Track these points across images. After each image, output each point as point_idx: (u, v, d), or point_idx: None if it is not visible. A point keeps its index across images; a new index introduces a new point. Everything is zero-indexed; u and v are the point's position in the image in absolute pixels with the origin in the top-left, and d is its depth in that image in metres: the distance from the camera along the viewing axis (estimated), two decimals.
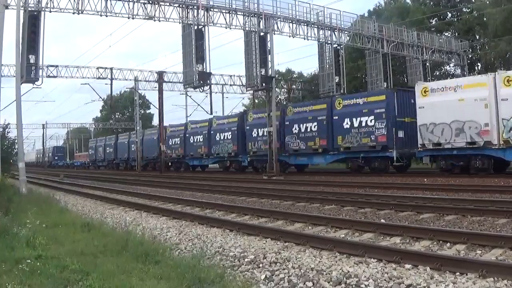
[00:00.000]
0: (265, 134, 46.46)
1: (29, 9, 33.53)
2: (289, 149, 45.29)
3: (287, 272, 9.28)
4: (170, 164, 67.28)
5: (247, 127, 51.61)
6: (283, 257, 10.22)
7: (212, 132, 57.49)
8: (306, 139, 43.25)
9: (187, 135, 62.76)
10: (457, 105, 31.09)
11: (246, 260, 10.36)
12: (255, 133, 49.90)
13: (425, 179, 29.86)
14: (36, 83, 35.84)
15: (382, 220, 14.72)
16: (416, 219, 14.86)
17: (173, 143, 65.34)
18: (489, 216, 14.30)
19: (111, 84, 61.53)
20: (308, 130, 43.07)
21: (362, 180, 31.44)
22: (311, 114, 42.96)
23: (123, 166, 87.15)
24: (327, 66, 46.69)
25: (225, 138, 55.08)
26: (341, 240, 11.46)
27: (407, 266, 8.98)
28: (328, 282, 8.52)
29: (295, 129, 44.07)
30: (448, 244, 10.86)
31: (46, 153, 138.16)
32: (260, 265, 9.90)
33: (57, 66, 56.01)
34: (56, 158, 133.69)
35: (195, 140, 60.86)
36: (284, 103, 75.95)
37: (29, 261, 9.41)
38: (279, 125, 44.89)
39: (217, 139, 56.25)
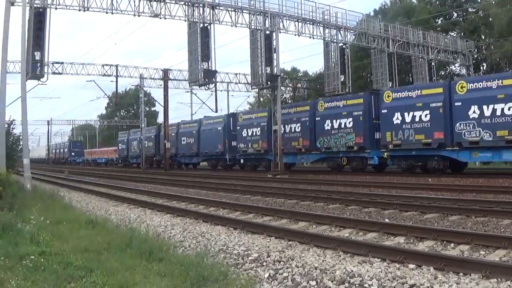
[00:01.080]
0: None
1: (35, 6, 33.58)
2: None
3: (290, 270, 9.28)
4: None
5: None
6: (287, 255, 10.22)
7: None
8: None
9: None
10: None
11: (250, 258, 10.36)
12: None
13: (430, 179, 29.84)
14: (41, 79, 35.87)
15: (386, 220, 14.72)
16: (420, 219, 14.87)
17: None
18: (493, 217, 14.31)
19: (116, 81, 61.34)
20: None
21: (366, 180, 31.43)
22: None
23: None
24: (333, 65, 46.65)
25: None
26: (345, 240, 11.45)
27: (411, 266, 8.99)
28: (332, 281, 8.51)
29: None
30: (452, 245, 10.88)
31: (60, 148, 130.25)
32: (264, 264, 9.90)
33: (62, 63, 55.95)
34: (73, 154, 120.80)
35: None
36: (290, 101, 76.02)
37: (33, 257, 9.43)
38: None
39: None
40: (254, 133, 51.06)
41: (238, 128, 53.85)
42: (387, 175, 35.71)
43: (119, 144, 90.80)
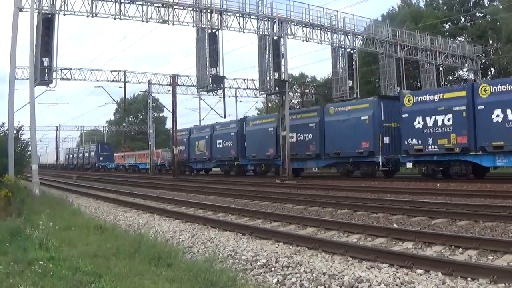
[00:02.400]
0: None
1: (43, 11, 33.69)
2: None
3: (299, 276, 9.30)
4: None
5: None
6: (295, 261, 10.24)
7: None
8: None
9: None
10: None
11: (258, 264, 10.38)
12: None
13: (438, 184, 29.80)
14: (49, 85, 36.01)
15: (395, 225, 14.72)
16: (428, 224, 14.85)
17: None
18: (501, 222, 14.28)
19: (125, 87, 61.51)
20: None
21: (374, 185, 31.39)
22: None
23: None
24: (341, 71, 46.69)
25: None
26: (353, 245, 11.45)
27: (419, 271, 8.99)
28: (340, 287, 8.54)
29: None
30: (460, 250, 10.87)
31: (84, 152, 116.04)
32: (272, 269, 9.92)
33: (70, 68, 56.20)
34: (101, 158, 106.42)
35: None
36: (298, 107, 76.01)
37: (41, 262, 9.44)
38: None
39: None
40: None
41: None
42: (395, 180, 35.64)
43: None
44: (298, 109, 57.25)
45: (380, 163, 38.65)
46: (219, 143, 59.26)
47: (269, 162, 51.55)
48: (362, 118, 40.20)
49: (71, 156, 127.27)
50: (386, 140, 39.15)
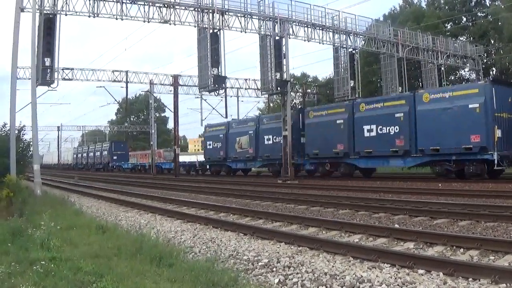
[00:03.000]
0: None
1: (45, 12, 33.67)
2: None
3: (300, 276, 9.31)
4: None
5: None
6: (297, 261, 10.25)
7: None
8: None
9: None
10: None
11: (260, 264, 10.39)
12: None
13: (440, 184, 29.78)
14: (51, 85, 35.95)
15: (396, 225, 14.73)
16: (430, 224, 14.85)
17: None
18: (503, 222, 14.30)
19: (127, 87, 61.53)
20: None
21: (376, 185, 31.38)
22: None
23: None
24: (342, 70, 46.65)
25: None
26: (354, 245, 11.45)
27: (420, 271, 9.00)
28: (342, 287, 8.56)
29: None
30: (462, 250, 10.88)
31: (95, 151, 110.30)
32: (274, 269, 9.93)
33: (72, 69, 56.16)
34: (115, 158, 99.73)
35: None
36: (299, 107, 76.06)
37: (43, 262, 9.47)
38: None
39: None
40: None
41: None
42: (397, 180, 35.58)
43: (207, 143, 62.82)
44: (379, 96, 49.09)
45: (495, 161, 32.45)
46: (268, 139, 51.79)
47: (337, 161, 44.10)
48: (471, 106, 33.70)
49: (80, 155, 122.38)
50: (499, 133, 33.31)
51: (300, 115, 48.69)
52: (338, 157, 43.34)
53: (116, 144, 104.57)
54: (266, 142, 52.00)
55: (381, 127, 39.38)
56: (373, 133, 39.96)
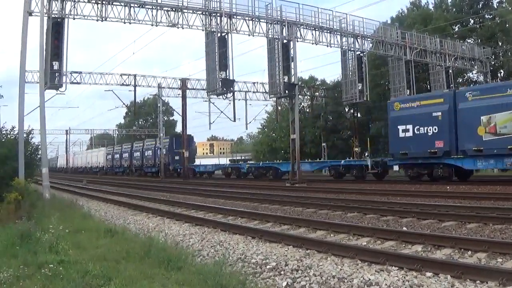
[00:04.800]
0: None
1: (53, 16, 33.73)
2: None
3: (308, 279, 9.32)
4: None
5: None
6: (305, 264, 10.26)
7: None
8: None
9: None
10: None
11: (268, 267, 10.40)
12: None
13: (448, 187, 29.74)
14: (59, 89, 36.04)
15: (404, 228, 14.74)
16: (438, 227, 14.85)
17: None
18: (511, 224, 14.25)
19: (135, 91, 61.64)
20: None
21: (384, 188, 31.36)
22: None
23: None
24: (350, 73, 46.67)
25: None
26: (362, 248, 11.48)
27: (428, 274, 9.00)
28: None
29: None
30: (469, 252, 10.88)
31: (147, 149, 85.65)
32: (282, 272, 9.94)
33: (80, 72, 56.29)
34: (176, 158, 74.48)
35: None
36: (308, 110, 76.02)
37: (51, 265, 9.52)
38: None
39: None
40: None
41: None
42: (405, 183, 35.51)
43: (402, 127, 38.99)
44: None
45: None
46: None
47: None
48: None
49: (118, 156, 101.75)
50: None
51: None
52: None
53: (177, 140, 74.43)
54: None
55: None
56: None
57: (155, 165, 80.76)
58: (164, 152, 73.58)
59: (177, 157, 73.37)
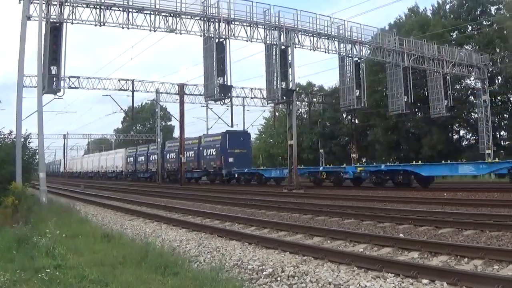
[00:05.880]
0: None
1: (51, 20, 33.66)
2: None
3: (304, 286, 9.37)
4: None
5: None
6: (301, 270, 10.29)
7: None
8: None
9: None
10: None
11: (264, 273, 10.43)
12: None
13: (445, 194, 29.80)
14: (57, 94, 35.91)
15: (401, 235, 14.76)
16: (435, 234, 14.86)
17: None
18: (508, 231, 14.28)
19: (133, 96, 61.69)
20: None
21: (381, 194, 31.39)
22: None
23: None
24: (348, 80, 46.61)
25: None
26: (359, 255, 11.49)
27: (424, 281, 9.03)
28: None
29: None
30: (466, 259, 10.89)
31: (187, 150, 64.70)
32: (278, 279, 9.97)
33: (78, 77, 56.41)
34: (230, 160, 60.86)
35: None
36: (305, 116, 76.07)
37: (48, 270, 9.53)
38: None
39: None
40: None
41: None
42: (403, 190, 35.54)
43: None
44: None
45: None
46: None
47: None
48: None
49: (141, 158, 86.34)
50: None
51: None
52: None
53: (234, 137, 62.72)
54: None
55: None
56: None
57: (201, 168, 66.93)
58: (215, 153, 62.50)
59: (231, 159, 60.12)
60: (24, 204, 20.24)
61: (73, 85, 55.42)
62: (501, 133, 65.83)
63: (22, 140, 29.19)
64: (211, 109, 73.49)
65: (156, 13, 37.68)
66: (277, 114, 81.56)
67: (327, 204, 26.13)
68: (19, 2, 31.22)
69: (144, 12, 37.29)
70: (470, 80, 64.87)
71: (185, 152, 62.51)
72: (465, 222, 16.17)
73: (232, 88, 44.51)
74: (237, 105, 66.56)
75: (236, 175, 60.78)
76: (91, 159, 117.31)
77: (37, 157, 31.19)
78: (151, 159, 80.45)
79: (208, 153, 64.92)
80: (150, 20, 37.60)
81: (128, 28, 36.95)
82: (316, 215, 20.96)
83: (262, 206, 25.55)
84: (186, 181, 63.80)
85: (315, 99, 77.26)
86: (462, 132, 71.24)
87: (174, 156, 71.25)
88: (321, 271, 10.24)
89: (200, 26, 39.44)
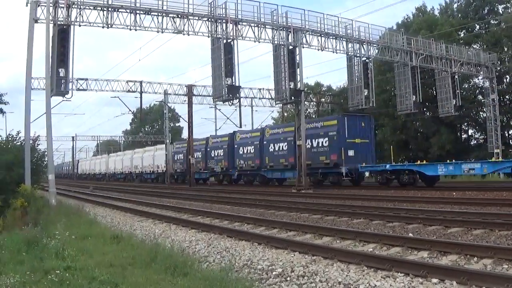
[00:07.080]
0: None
1: (59, 23, 33.68)
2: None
3: (314, 285, 9.34)
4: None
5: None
6: (311, 270, 10.27)
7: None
8: None
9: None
10: None
11: (274, 273, 10.42)
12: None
13: (454, 193, 29.70)
14: (66, 96, 35.96)
15: (410, 234, 14.72)
16: (444, 233, 14.81)
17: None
18: None
19: (141, 98, 61.84)
20: None
21: (391, 194, 31.31)
22: None
23: None
24: (356, 79, 46.48)
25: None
26: (368, 254, 11.47)
27: (434, 280, 9.00)
28: None
29: None
30: (475, 259, 10.85)
31: (278, 143, 52.25)
32: (288, 279, 9.96)
33: (86, 79, 56.43)
34: (350, 154, 44.86)
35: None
36: (314, 116, 75.94)
37: (58, 272, 9.55)
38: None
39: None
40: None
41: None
42: (412, 189, 35.42)
43: None
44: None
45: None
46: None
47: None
48: None
49: (199, 155, 66.04)
50: None
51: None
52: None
53: (353, 120, 47.85)
54: None
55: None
56: None
57: (268, 166, 53.59)
58: (322, 144, 46.91)
59: (351, 152, 45.21)
60: (33, 206, 20.31)
61: (81, 87, 55.44)
62: (510, 132, 65.50)
63: (31, 142, 29.26)
64: (219, 109, 73.61)
65: (164, 14, 37.66)
66: (285, 114, 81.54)
67: (336, 204, 26.08)
68: (26, 5, 31.30)
69: (152, 13, 37.27)
70: (478, 79, 64.64)
71: (279, 144, 52.21)
72: (474, 221, 16.09)
73: (240, 89, 44.45)
74: (245, 106, 66.75)
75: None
76: (120, 159, 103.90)
77: (46, 159, 31.24)
78: (213, 154, 64.45)
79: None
80: (158, 22, 37.59)
81: (135, 30, 36.96)
82: (326, 215, 20.94)
83: (271, 206, 25.56)
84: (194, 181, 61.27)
85: (323, 99, 77.22)
86: (470, 132, 70.99)
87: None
88: (330, 270, 10.23)
89: (208, 27, 39.40)
